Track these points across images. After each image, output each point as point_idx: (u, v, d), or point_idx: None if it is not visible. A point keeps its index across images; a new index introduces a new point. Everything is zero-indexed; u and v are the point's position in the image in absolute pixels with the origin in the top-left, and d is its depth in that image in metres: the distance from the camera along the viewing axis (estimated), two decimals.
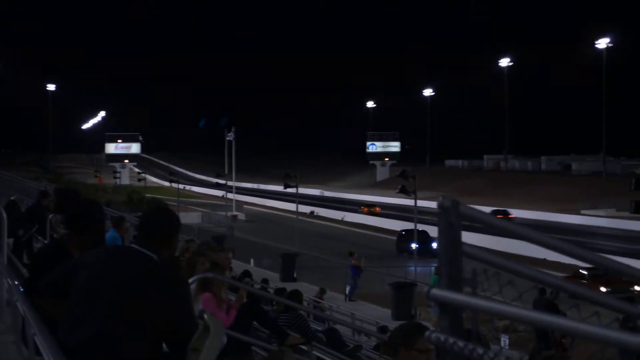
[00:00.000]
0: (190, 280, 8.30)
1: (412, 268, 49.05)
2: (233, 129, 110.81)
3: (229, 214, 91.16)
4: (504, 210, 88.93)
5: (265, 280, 31.40)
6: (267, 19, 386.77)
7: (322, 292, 33.00)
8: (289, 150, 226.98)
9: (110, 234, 12.98)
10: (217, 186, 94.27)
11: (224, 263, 10.13)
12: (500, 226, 3.04)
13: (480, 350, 2.60)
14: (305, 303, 21.54)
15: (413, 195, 46.78)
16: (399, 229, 78.22)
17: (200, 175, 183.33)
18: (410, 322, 10.74)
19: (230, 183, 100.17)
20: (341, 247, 55.09)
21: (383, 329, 21.83)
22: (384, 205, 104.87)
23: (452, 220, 2.90)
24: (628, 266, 3.20)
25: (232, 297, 10.73)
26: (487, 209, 74.84)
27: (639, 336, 2.20)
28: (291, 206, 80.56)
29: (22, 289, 7.12)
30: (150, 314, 4.60)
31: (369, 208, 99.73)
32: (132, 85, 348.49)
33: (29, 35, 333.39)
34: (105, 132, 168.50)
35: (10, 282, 8.19)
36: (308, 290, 31.82)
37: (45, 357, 5.01)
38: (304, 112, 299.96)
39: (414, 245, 53.80)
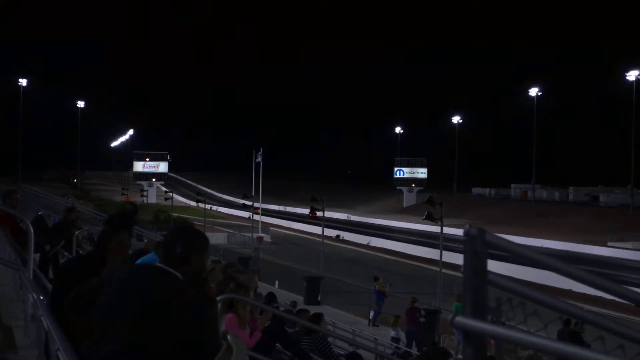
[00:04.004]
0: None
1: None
2: (261, 151, 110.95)
3: (255, 235, 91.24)
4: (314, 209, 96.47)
5: (293, 304, 31.32)
6: (295, 41, 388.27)
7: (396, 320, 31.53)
8: (316, 173, 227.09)
9: (150, 255, 12.98)
10: (243, 207, 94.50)
11: (250, 284, 10.11)
12: (526, 256, 3.03)
13: None
14: (329, 327, 21.49)
15: (439, 222, 46.53)
16: (423, 255, 78.15)
17: (227, 196, 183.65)
18: (434, 347, 10.69)
19: (256, 205, 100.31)
20: (366, 272, 54.94)
21: (405, 355, 21.75)
22: (411, 232, 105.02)
23: (478, 249, 2.90)
24: None
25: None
26: (515, 239, 74.64)
27: None
28: (317, 229, 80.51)
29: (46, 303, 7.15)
30: (173, 332, 4.59)
31: (255, 210, 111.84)
32: (162, 104, 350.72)
33: (59, 52, 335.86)
34: (133, 151, 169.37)
35: (35, 297, 8.22)
36: (332, 314, 31.72)
37: None
38: (332, 136, 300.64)
39: None
